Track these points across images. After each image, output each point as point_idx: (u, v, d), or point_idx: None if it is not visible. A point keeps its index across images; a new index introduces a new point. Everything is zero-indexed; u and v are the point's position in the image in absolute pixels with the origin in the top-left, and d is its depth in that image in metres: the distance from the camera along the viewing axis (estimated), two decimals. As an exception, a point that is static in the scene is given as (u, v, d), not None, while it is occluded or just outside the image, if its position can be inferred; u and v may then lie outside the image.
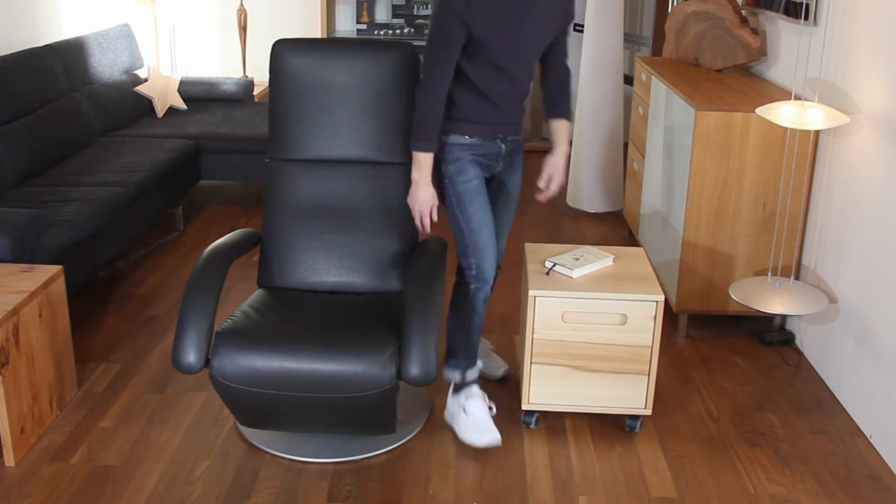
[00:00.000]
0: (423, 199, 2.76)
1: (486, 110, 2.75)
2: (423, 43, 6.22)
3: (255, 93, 5.80)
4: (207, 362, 2.59)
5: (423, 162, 2.71)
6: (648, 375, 2.88)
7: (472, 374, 2.93)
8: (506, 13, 2.59)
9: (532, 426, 3.00)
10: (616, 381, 2.89)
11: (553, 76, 2.89)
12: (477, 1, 2.55)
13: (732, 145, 3.43)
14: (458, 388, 2.93)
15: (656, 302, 2.81)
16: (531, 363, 2.89)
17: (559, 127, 2.93)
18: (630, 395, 2.90)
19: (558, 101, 2.92)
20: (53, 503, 2.58)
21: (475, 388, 2.92)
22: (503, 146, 2.84)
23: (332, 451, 2.82)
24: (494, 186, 2.93)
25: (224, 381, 2.58)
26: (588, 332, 2.84)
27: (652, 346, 2.85)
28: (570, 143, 2.95)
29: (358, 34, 6.32)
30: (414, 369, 2.54)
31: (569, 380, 2.90)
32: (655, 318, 2.83)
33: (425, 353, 2.55)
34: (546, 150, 2.97)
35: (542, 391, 2.92)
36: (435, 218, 2.80)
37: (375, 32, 6.31)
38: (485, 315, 2.91)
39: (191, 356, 2.56)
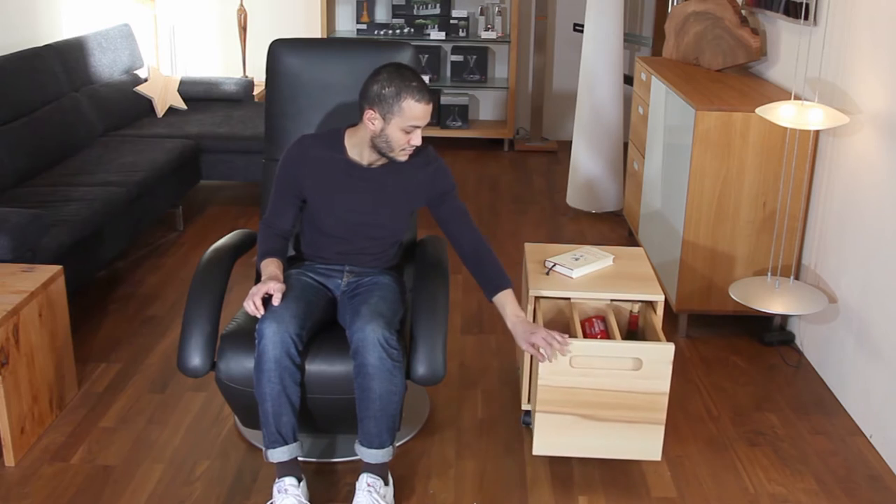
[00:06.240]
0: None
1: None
2: (422, 43, 6.29)
3: (255, 93, 5.79)
4: (213, 365, 2.59)
5: None
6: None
7: (277, 454, 2.48)
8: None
9: (532, 426, 2.99)
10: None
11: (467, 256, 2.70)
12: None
13: (732, 145, 3.43)
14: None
15: (656, 302, 2.81)
16: (531, 363, 2.89)
17: (502, 297, 2.64)
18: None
19: (491, 277, 2.67)
20: (53, 503, 2.58)
21: (288, 482, 2.47)
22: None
23: (332, 452, 2.82)
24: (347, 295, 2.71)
25: (231, 383, 2.57)
26: (588, 332, 2.84)
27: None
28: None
29: (358, 34, 6.32)
30: (421, 368, 2.55)
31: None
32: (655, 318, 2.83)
33: (432, 353, 2.55)
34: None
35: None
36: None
37: (375, 32, 6.31)
38: (275, 395, 2.44)
39: (196, 359, 2.56)
